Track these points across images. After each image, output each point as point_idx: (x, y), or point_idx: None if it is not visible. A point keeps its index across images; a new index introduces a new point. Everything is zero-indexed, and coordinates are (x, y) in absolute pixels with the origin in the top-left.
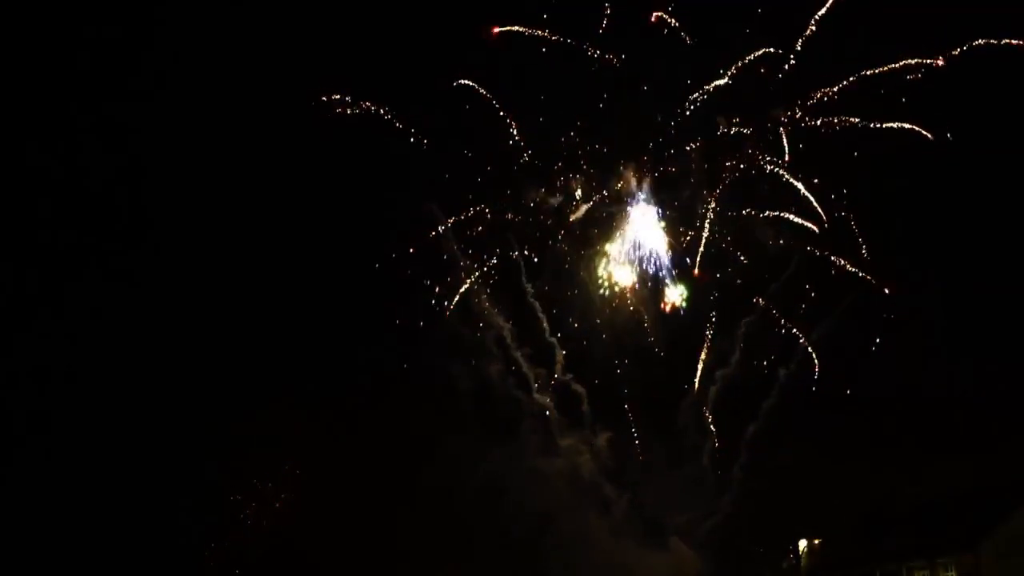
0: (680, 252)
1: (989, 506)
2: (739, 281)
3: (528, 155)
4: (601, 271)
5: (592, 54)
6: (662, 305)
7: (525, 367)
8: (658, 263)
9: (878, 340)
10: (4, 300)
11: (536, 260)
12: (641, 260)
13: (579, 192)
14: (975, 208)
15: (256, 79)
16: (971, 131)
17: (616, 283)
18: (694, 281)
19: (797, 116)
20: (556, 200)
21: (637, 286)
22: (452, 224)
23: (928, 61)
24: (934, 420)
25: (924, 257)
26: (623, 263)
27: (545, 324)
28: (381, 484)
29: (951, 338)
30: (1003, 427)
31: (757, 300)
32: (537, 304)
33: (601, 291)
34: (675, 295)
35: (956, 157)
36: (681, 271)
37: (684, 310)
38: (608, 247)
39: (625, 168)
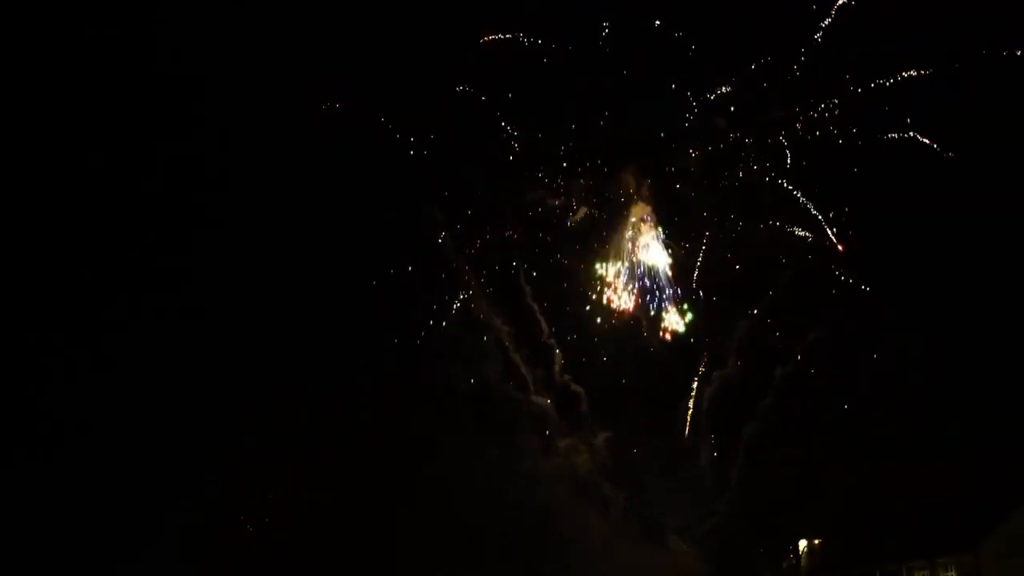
0: (680, 258)
1: (989, 506)
2: (737, 286)
3: (527, 165)
4: (599, 292)
5: (593, 62)
6: (661, 333)
7: (524, 368)
8: (659, 286)
9: (877, 341)
10: (4, 300)
11: (535, 274)
12: (643, 291)
13: (577, 201)
14: (974, 215)
15: (256, 84)
16: (973, 141)
17: (615, 306)
18: (692, 304)
19: (799, 126)
20: (556, 205)
21: (638, 312)
22: (452, 233)
23: (931, 72)
24: (933, 420)
25: (923, 261)
26: (621, 290)
27: (544, 326)
28: (381, 484)
29: (950, 339)
30: (1002, 428)
31: (753, 311)
32: (536, 306)
33: (598, 317)
34: (675, 321)
35: (957, 167)
36: (681, 294)
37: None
38: (607, 267)
39: (625, 177)
